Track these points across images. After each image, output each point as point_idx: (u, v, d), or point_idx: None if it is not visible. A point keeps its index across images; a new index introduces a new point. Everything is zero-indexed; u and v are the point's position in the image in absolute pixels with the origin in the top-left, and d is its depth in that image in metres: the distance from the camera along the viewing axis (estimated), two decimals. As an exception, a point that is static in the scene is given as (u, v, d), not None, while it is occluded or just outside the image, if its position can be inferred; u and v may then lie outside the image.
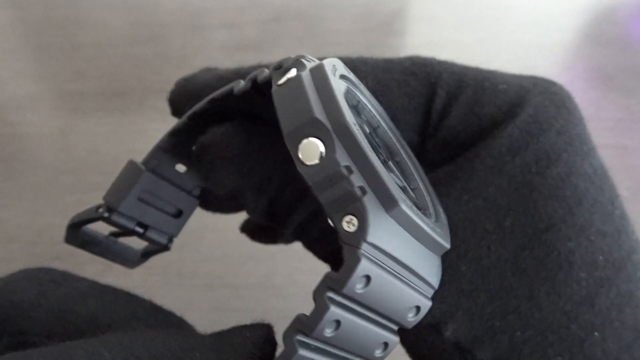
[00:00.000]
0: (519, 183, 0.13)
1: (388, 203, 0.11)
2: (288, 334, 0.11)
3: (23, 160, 0.42)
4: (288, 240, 0.17)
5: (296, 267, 0.34)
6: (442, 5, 0.51)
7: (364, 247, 0.10)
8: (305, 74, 0.12)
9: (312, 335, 0.10)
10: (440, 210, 0.14)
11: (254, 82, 0.14)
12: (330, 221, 0.11)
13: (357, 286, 0.10)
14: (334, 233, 0.15)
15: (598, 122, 0.42)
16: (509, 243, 0.13)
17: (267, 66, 0.15)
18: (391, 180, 0.11)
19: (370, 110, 0.14)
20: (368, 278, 0.11)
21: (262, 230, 0.20)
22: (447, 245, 0.13)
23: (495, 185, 0.13)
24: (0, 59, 0.49)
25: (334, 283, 0.10)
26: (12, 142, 0.43)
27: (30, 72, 0.48)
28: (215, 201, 0.19)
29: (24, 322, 0.13)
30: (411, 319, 0.12)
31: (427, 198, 0.14)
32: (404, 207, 0.11)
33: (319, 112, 0.11)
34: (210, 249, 0.36)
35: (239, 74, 0.16)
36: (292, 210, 0.15)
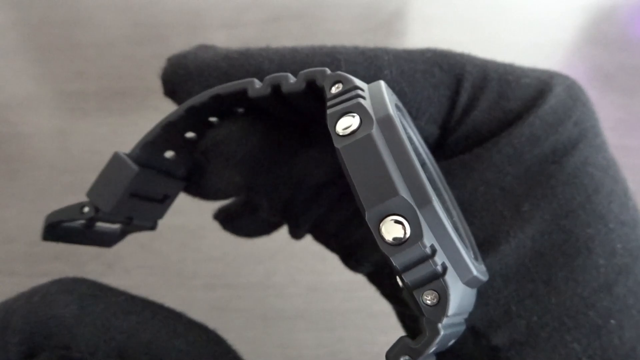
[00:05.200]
0: (537, 172, 0.13)
1: (464, 274, 0.11)
2: None
3: (23, 160, 0.42)
4: (300, 236, 0.17)
5: (296, 267, 0.34)
6: (442, 5, 0.51)
7: (443, 324, 0.10)
8: (376, 132, 0.11)
9: None
10: (468, 228, 0.14)
11: (276, 88, 0.13)
12: (405, 292, 0.11)
13: (430, 352, 0.11)
14: (350, 227, 0.14)
15: (598, 122, 0.42)
16: (527, 229, 0.13)
17: (277, 54, 0.14)
18: (466, 251, 0.11)
19: (401, 118, 0.14)
20: (438, 346, 0.11)
21: (237, 219, 0.19)
22: (485, 280, 0.13)
23: (513, 175, 0.13)
24: (0, 59, 0.49)
25: (411, 352, 0.11)
26: (12, 142, 0.43)
27: (30, 72, 0.48)
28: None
29: (67, 337, 0.13)
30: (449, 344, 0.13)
31: (458, 220, 0.14)
32: (477, 274, 0.11)
33: (402, 189, 0.10)
34: (210, 249, 0.36)
35: (247, 58, 0.15)
36: (308, 208, 0.15)
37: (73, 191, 0.39)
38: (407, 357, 0.11)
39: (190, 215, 0.37)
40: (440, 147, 0.16)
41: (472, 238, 0.14)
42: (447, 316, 0.10)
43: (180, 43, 0.54)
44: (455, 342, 0.14)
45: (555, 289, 0.13)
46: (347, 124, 0.11)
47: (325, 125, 0.11)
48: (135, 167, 0.15)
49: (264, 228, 0.19)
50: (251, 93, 0.13)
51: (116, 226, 0.18)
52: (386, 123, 0.11)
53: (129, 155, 0.16)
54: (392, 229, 0.10)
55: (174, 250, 0.37)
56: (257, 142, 0.14)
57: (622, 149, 0.43)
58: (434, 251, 0.10)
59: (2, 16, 0.53)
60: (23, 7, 0.54)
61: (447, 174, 0.15)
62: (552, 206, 0.13)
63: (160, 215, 0.18)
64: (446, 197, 0.14)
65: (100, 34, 0.51)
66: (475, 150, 0.14)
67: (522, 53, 0.46)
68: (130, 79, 0.46)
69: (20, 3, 0.54)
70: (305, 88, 0.12)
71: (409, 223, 0.10)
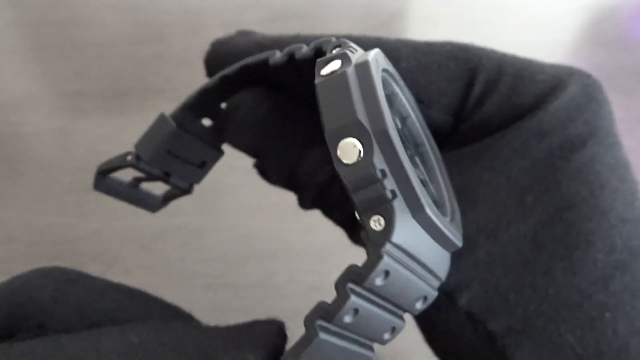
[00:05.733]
0: (543, 165, 0.13)
1: (415, 208, 0.11)
2: (310, 319, 0.11)
3: (23, 160, 0.42)
4: (307, 206, 0.17)
5: (296, 267, 0.34)
6: (442, 5, 0.51)
7: (388, 247, 0.11)
8: (351, 71, 0.12)
9: (333, 321, 0.11)
10: (456, 206, 0.14)
11: (291, 56, 0.14)
12: (358, 217, 0.11)
13: (376, 280, 0.11)
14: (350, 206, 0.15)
15: (598, 122, 0.42)
16: (529, 219, 0.13)
17: (305, 39, 0.16)
18: (420, 186, 0.12)
19: (402, 100, 0.15)
20: (387, 273, 0.11)
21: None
22: (459, 244, 0.13)
23: (519, 166, 0.14)
24: (0, 59, 0.49)
25: (356, 276, 0.11)
26: (12, 142, 0.43)
27: (30, 72, 0.49)
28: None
29: (42, 317, 0.13)
30: (418, 307, 0.13)
31: (445, 193, 0.15)
32: (429, 212, 0.12)
33: (361, 115, 0.11)
34: (210, 249, 0.36)
35: (278, 43, 0.17)
36: (312, 175, 0.15)
37: (73, 191, 0.39)
38: (351, 285, 0.11)
39: (190, 215, 0.37)
40: (451, 136, 0.16)
41: (457, 208, 0.14)
42: (390, 241, 0.11)
43: (180, 43, 0.55)
44: (453, 330, 0.14)
45: (554, 280, 0.13)
46: (330, 68, 0.12)
47: None
48: (173, 124, 0.17)
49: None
50: (271, 61, 0.15)
51: (159, 195, 0.20)
52: (363, 68, 0.12)
53: (170, 115, 0.17)
54: (347, 150, 0.11)
55: (174, 250, 0.37)
56: (267, 109, 0.15)
57: (622, 149, 0.43)
58: (384, 175, 0.11)
59: (2, 16, 0.53)
60: (23, 7, 0.54)
61: (457, 162, 0.15)
62: (555, 199, 0.13)
63: (198, 179, 0.20)
64: (437, 168, 0.15)
65: (100, 34, 0.51)
66: (485, 141, 0.15)
67: (522, 53, 0.46)
68: (130, 79, 0.46)
69: (20, 3, 0.54)
70: (314, 55, 0.13)
71: (363, 146, 0.11)
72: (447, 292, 0.14)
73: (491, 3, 0.51)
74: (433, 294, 0.13)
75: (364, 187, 0.11)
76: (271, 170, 0.16)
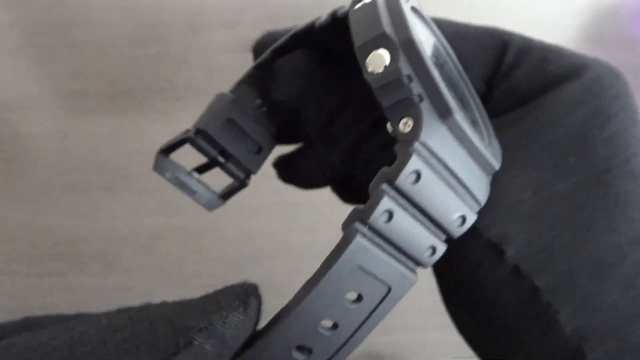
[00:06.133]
0: (580, 131, 0.14)
1: (443, 112, 0.12)
2: (347, 223, 0.12)
3: (23, 160, 0.42)
4: (337, 158, 0.18)
5: (296, 267, 0.34)
6: (442, 5, 0.51)
7: (416, 146, 0.11)
8: (380, 2, 0.13)
9: (369, 221, 0.11)
10: (496, 141, 0.15)
11: (334, 16, 0.16)
12: (389, 126, 0.12)
13: (408, 180, 0.11)
14: (383, 155, 0.15)
15: (598, 122, 0.42)
16: (569, 179, 0.14)
17: None
18: (447, 92, 0.12)
19: (439, 48, 0.16)
20: (418, 175, 0.12)
21: (292, 158, 0.22)
22: (497, 166, 0.14)
23: (558, 132, 0.14)
24: (0, 59, 0.49)
25: (388, 175, 0.12)
26: (12, 142, 0.43)
27: (30, 72, 0.48)
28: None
29: None
30: (457, 227, 0.13)
31: (484, 130, 0.15)
32: (457, 117, 0.12)
33: (388, 28, 0.12)
34: (210, 249, 0.36)
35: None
36: (349, 127, 0.16)
37: (73, 191, 0.39)
38: (384, 186, 0.11)
39: (190, 215, 0.37)
40: (487, 102, 0.17)
41: (496, 142, 0.15)
42: (419, 140, 0.11)
43: (180, 43, 0.55)
44: (495, 286, 0.14)
45: (594, 238, 0.13)
46: (362, 3, 0.13)
47: None
48: (230, 96, 0.18)
49: (317, 169, 0.22)
50: (317, 24, 0.16)
51: (215, 192, 0.20)
52: (393, 1, 0.13)
53: (228, 92, 0.19)
54: (376, 60, 0.12)
55: (174, 250, 0.37)
56: (312, 63, 0.17)
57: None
58: (410, 80, 0.12)
59: (2, 16, 0.53)
60: (23, 7, 0.54)
61: (497, 129, 0.16)
62: (593, 162, 0.14)
63: (254, 167, 0.20)
64: (477, 112, 0.16)
65: (100, 34, 0.51)
66: (521, 109, 0.16)
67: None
68: (130, 79, 0.46)
69: (20, 3, 0.54)
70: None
71: (390, 54, 0.12)
72: (493, 245, 0.14)
73: (491, 3, 0.51)
74: (472, 216, 0.13)
75: (391, 91, 0.12)
76: (309, 119, 0.17)
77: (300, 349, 0.12)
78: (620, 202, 0.13)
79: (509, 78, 0.16)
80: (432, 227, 0.13)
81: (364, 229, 0.11)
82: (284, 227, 0.36)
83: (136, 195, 0.39)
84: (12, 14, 0.54)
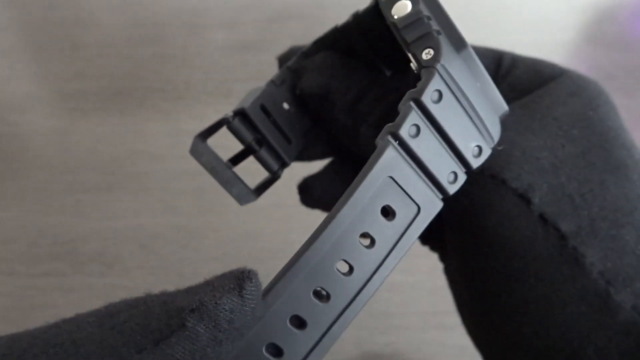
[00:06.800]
0: (579, 111, 0.16)
1: (459, 44, 0.14)
2: (380, 136, 0.13)
3: (23, 160, 0.42)
4: (367, 135, 0.19)
5: (296, 267, 0.34)
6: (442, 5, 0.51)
7: (438, 67, 0.13)
8: None
9: (399, 132, 0.12)
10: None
11: (355, 16, 0.18)
12: (411, 57, 0.14)
13: (431, 98, 0.13)
14: None
15: (598, 122, 0.42)
16: (578, 144, 0.16)
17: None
18: (460, 31, 0.14)
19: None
20: (440, 94, 0.13)
21: (316, 180, 0.22)
22: (506, 107, 0.15)
23: (561, 111, 0.16)
24: (0, 58, 0.49)
25: (414, 94, 0.13)
26: (12, 142, 0.43)
27: (30, 72, 0.49)
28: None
29: None
30: (474, 158, 0.14)
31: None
32: (470, 49, 0.14)
33: None
34: (210, 249, 0.36)
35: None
36: (376, 102, 0.18)
37: (73, 191, 0.39)
38: (409, 103, 0.13)
39: (190, 215, 0.37)
40: None
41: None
42: (440, 62, 0.13)
43: (180, 43, 0.55)
44: (525, 234, 0.15)
45: (608, 190, 0.15)
46: None
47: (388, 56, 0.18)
48: (264, 87, 0.19)
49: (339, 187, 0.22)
50: (339, 25, 0.19)
51: (248, 186, 0.20)
52: None
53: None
54: (400, 8, 0.15)
55: (174, 250, 0.37)
56: (338, 58, 0.19)
57: (622, 149, 0.43)
58: (429, 19, 0.14)
59: (1, 16, 0.53)
60: (23, 7, 0.54)
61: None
62: (594, 133, 0.16)
63: (288, 157, 0.20)
64: None
65: (100, 34, 0.51)
66: (525, 99, 0.18)
67: (522, 53, 0.46)
68: (130, 79, 0.46)
69: (20, 3, 0.54)
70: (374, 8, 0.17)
71: (411, 2, 0.14)
72: (520, 194, 0.15)
73: (491, 3, 0.51)
74: (487, 150, 0.15)
75: (414, 29, 0.14)
76: (338, 101, 0.18)
77: (342, 264, 0.13)
78: (622, 166, 0.15)
79: (509, 76, 0.18)
80: (452, 154, 0.14)
81: (395, 143, 0.13)
82: (284, 227, 0.36)
83: (136, 195, 0.39)
84: (12, 14, 0.54)
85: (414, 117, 0.13)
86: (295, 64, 0.20)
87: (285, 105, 0.20)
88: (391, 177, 0.13)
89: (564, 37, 0.48)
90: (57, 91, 0.46)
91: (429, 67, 0.13)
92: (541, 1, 0.51)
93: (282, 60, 0.21)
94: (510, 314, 0.16)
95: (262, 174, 0.20)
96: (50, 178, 0.40)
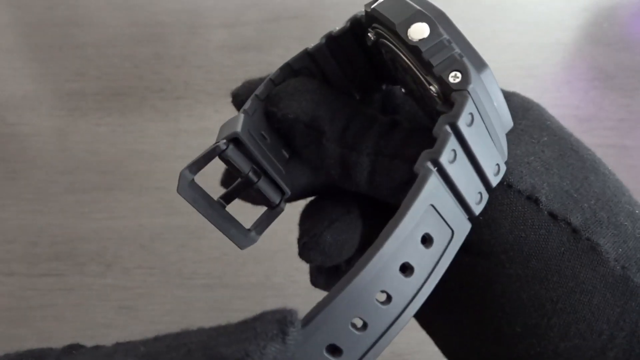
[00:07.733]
0: (539, 121, 0.17)
1: (479, 65, 0.14)
2: (419, 163, 0.13)
3: (23, 160, 0.42)
4: (362, 164, 0.17)
5: (296, 267, 0.34)
6: (442, 5, 0.51)
7: (470, 88, 0.13)
8: None
9: (440, 160, 0.13)
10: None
11: (329, 37, 0.18)
12: (433, 84, 0.14)
13: (465, 121, 0.13)
14: (410, 142, 0.17)
15: (598, 122, 0.42)
16: (553, 149, 0.17)
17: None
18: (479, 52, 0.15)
19: None
20: (472, 117, 0.13)
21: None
22: (512, 123, 0.16)
23: (525, 124, 0.17)
24: (0, 58, 0.49)
25: (450, 119, 0.13)
26: (12, 142, 0.43)
27: (30, 72, 0.49)
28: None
29: None
30: (494, 176, 0.15)
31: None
32: (490, 70, 0.14)
33: (420, 7, 0.15)
34: (210, 249, 0.36)
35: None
36: (366, 130, 0.17)
37: (73, 191, 0.39)
38: (446, 127, 0.13)
39: (190, 216, 0.37)
40: None
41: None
42: (470, 83, 0.13)
43: (180, 43, 0.55)
44: (541, 235, 0.15)
45: (594, 184, 0.16)
46: (379, 1, 0.16)
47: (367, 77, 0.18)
48: (242, 116, 0.17)
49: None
50: (309, 49, 0.18)
51: (246, 228, 0.17)
52: None
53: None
54: (417, 29, 0.14)
55: (174, 250, 0.37)
56: (316, 84, 0.18)
57: (622, 149, 0.43)
58: (450, 42, 0.14)
59: (1, 16, 0.53)
60: (23, 7, 0.54)
61: None
62: (559, 139, 0.17)
63: (285, 186, 0.17)
64: None
65: (100, 34, 0.51)
66: None
67: (522, 53, 0.46)
68: (130, 79, 0.46)
69: (20, 3, 0.54)
70: (350, 28, 0.17)
71: (429, 25, 0.14)
72: (528, 195, 0.16)
73: (491, 3, 0.51)
74: (503, 167, 0.15)
75: (437, 52, 0.14)
76: (327, 131, 0.18)
77: (381, 294, 0.13)
78: (593, 163, 0.17)
79: None
80: (477, 175, 0.14)
81: (434, 169, 0.13)
82: (284, 227, 0.36)
83: (136, 195, 0.39)
84: (12, 14, 0.54)
85: (453, 142, 0.13)
86: (265, 92, 0.18)
87: (264, 134, 0.18)
88: (432, 205, 0.13)
89: (564, 37, 0.48)
90: (57, 91, 0.46)
91: (461, 90, 0.13)
92: (541, 1, 0.51)
93: (237, 95, 0.19)
94: (536, 322, 0.16)
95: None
96: (50, 178, 0.40)
